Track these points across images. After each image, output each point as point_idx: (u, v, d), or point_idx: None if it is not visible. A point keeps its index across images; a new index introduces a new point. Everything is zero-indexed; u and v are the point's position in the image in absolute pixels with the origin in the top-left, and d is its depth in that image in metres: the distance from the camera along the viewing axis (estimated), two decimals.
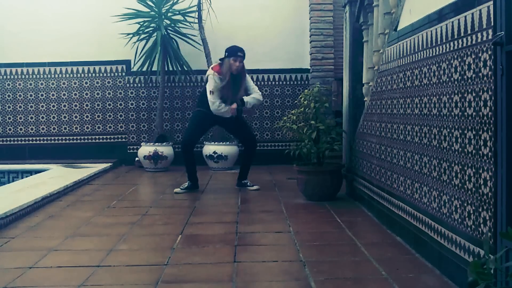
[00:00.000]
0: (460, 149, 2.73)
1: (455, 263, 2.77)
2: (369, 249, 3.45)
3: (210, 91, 5.61)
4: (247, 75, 5.84)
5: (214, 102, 5.60)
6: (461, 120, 2.71)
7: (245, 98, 5.71)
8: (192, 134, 5.78)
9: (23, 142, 8.25)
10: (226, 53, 5.68)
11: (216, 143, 7.42)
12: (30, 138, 8.25)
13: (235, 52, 5.65)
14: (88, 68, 8.19)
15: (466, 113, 2.65)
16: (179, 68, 7.69)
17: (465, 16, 2.65)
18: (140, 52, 7.77)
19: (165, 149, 7.48)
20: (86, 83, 8.21)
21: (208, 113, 5.70)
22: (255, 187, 5.86)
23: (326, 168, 5.13)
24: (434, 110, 3.08)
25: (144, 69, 7.72)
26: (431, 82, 3.13)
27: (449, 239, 2.87)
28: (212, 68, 5.76)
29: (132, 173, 7.39)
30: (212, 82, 5.62)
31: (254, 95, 5.79)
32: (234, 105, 5.64)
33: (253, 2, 8.07)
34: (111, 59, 8.16)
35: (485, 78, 2.44)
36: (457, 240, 2.77)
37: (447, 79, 2.89)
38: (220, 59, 5.82)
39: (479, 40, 2.51)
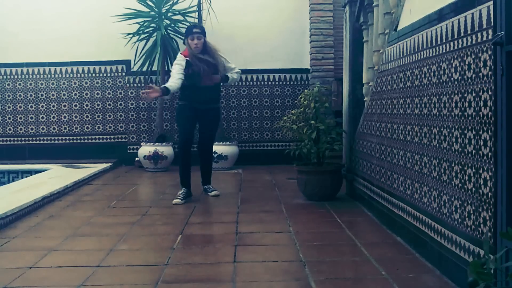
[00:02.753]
0: (460, 149, 2.73)
1: (455, 263, 2.77)
2: (369, 249, 3.45)
3: (171, 71, 5.33)
4: (220, 53, 5.40)
5: (170, 82, 5.18)
6: (461, 120, 2.71)
7: (229, 75, 5.42)
8: (184, 133, 5.43)
9: (23, 142, 8.25)
10: (185, 35, 5.43)
11: (216, 143, 7.40)
12: (30, 138, 8.25)
13: (190, 31, 5.32)
14: (88, 68, 8.19)
15: (466, 113, 2.65)
16: None
17: (465, 16, 2.65)
18: (140, 52, 7.77)
19: (165, 149, 7.48)
20: (86, 83, 8.21)
21: (187, 105, 5.36)
22: (213, 193, 5.51)
23: (326, 168, 5.13)
24: (434, 110, 3.08)
25: (144, 69, 7.73)
26: (431, 82, 3.13)
27: (449, 239, 2.87)
28: (181, 52, 5.48)
29: (132, 173, 7.39)
30: (175, 63, 5.32)
31: (237, 72, 5.48)
32: (217, 77, 5.33)
33: (253, 2, 8.07)
34: (111, 59, 8.16)
35: (485, 78, 2.44)
36: (457, 240, 2.77)
37: (447, 79, 2.89)
38: (183, 42, 5.68)
39: (479, 40, 2.51)
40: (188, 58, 5.27)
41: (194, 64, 5.24)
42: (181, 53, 5.43)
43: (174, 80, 5.16)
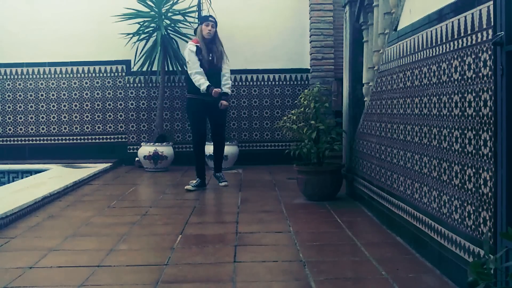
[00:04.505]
0: (460, 149, 2.73)
1: (455, 263, 2.77)
2: (369, 249, 3.45)
3: (187, 61, 5.77)
4: (224, 50, 5.92)
5: (190, 73, 5.72)
6: (461, 120, 2.71)
7: (224, 90, 5.81)
8: (197, 129, 5.89)
9: (23, 142, 8.25)
10: (199, 22, 5.92)
11: None
12: (30, 138, 8.24)
13: (206, 18, 5.87)
14: (88, 68, 8.19)
15: (466, 113, 2.65)
16: (179, 68, 7.69)
17: (465, 16, 2.65)
18: (140, 52, 7.77)
19: (165, 149, 7.48)
20: (86, 83, 8.21)
21: (198, 99, 5.75)
22: (223, 183, 5.98)
23: (326, 168, 5.13)
24: (434, 110, 3.08)
25: (144, 69, 7.72)
26: (431, 82, 3.13)
27: (449, 239, 2.87)
28: (191, 40, 5.99)
29: (132, 173, 7.39)
30: (186, 52, 5.80)
31: (228, 83, 5.88)
32: (218, 90, 5.70)
33: (253, 2, 8.08)
34: (111, 59, 8.16)
35: (485, 78, 2.44)
36: (457, 240, 2.77)
37: (447, 79, 2.89)
38: (194, 31, 6.08)
39: (479, 40, 2.51)
40: (198, 45, 5.72)
41: (204, 50, 5.71)
42: (191, 41, 5.90)
43: (202, 75, 5.66)
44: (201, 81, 5.65)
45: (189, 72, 5.75)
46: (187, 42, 7.63)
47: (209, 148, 7.48)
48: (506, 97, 2.20)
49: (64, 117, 8.22)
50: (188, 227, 4.15)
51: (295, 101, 5.91)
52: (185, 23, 7.74)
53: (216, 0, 7.57)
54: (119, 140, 8.22)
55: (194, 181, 5.88)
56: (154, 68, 7.75)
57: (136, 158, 7.78)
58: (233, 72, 7.90)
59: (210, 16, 5.90)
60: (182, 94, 8.12)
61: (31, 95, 8.22)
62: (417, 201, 3.37)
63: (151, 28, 7.72)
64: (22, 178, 7.02)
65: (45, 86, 8.21)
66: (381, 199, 4.19)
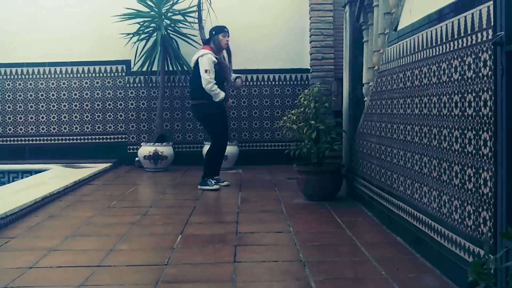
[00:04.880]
0: (460, 149, 2.73)
1: (455, 263, 2.77)
2: (369, 249, 3.45)
3: (206, 70, 5.76)
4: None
5: (209, 82, 5.75)
6: (461, 120, 2.71)
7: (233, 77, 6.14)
8: (222, 132, 5.96)
9: (23, 142, 8.25)
10: (214, 32, 5.96)
11: None
12: (30, 138, 8.24)
13: (222, 28, 5.97)
14: (88, 68, 8.19)
15: (466, 113, 2.65)
16: (179, 68, 7.70)
17: (465, 16, 2.65)
18: (140, 52, 7.77)
19: (165, 149, 7.48)
20: (86, 83, 8.21)
21: (213, 103, 5.84)
22: (224, 183, 6.05)
23: (326, 168, 5.13)
24: (434, 110, 3.08)
25: (144, 69, 7.73)
26: (431, 82, 3.13)
27: (449, 239, 2.87)
28: (204, 48, 5.97)
29: (132, 173, 7.39)
30: (207, 60, 5.78)
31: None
32: (230, 101, 6.08)
33: (253, 2, 8.08)
34: (111, 59, 8.16)
35: (485, 78, 2.44)
36: (457, 240, 2.77)
37: (447, 79, 2.89)
38: (206, 40, 6.16)
39: (479, 40, 2.51)
40: (216, 55, 5.88)
41: (221, 61, 5.89)
42: (205, 49, 5.93)
43: (216, 85, 5.82)
44: (218, 91, 5.79)
45: (208, 80, 5.73)
46: (187, 42, 7.69)
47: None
48: (506, 97, 2.20)
49: (64, 117, 8.22)
50: (188, 227, 4.16)
51: (295, 101, 5.91)
52: (185, 23, 7.73)
53: (216, 0, 7.57)
54: (119, 140, 8.22)
55: (213, 180, 5.91)
56: (154, 68, 7.75)
57: (136, 158, 7.78)
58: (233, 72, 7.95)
59: (225, 27, 6.02)
60: (182, 94, 8.13)
61: (31, 95, 8.22)
62: (417, 201, 3.37)
63: (151, 28, 7.73)
64: (22, 178, 7.02)
65: (45, 86, 8.21)
66: (381, 199, 4.19)
